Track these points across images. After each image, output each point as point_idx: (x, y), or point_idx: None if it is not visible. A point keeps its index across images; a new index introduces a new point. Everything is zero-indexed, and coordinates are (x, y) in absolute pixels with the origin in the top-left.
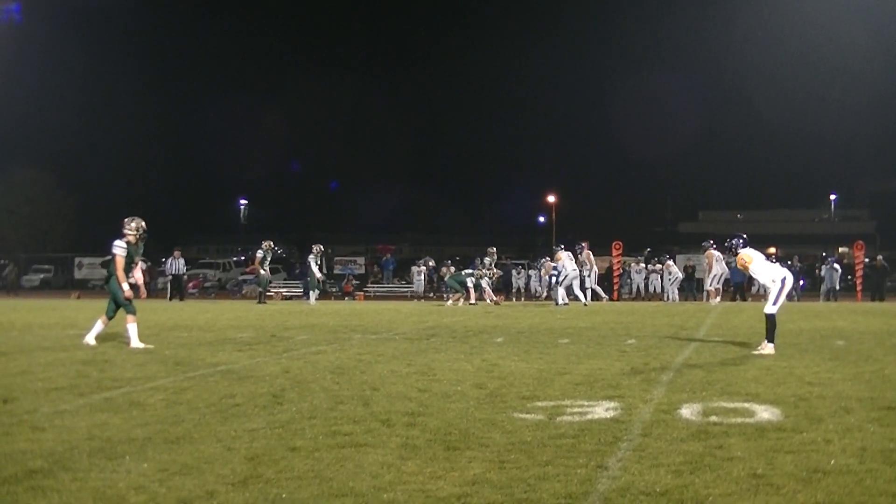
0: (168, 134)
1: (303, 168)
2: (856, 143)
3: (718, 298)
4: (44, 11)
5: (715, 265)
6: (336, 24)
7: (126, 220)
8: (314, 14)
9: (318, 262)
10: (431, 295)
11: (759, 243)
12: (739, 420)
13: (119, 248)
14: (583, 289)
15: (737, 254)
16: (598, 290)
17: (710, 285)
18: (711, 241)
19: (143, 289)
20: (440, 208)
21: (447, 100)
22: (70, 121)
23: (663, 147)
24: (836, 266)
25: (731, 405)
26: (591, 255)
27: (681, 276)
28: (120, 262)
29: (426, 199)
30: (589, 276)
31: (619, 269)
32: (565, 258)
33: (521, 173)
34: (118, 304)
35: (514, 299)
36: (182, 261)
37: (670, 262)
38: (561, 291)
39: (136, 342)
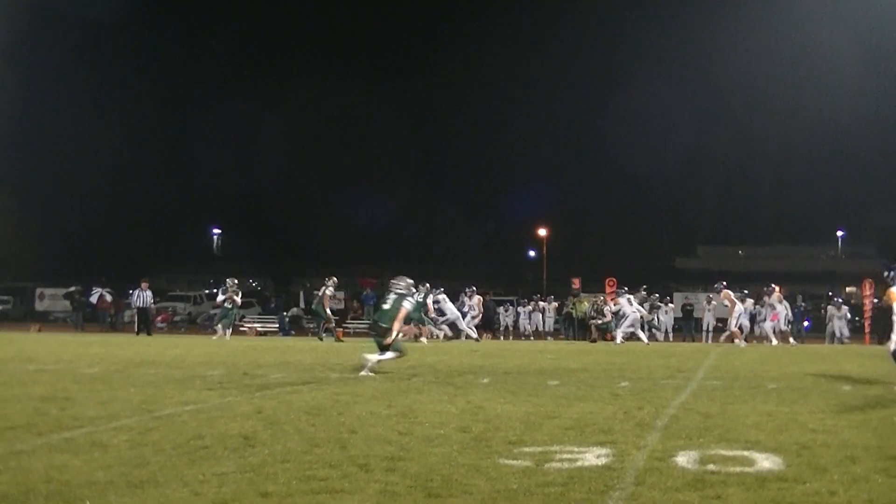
0: (138, 157)
1: (278, 196)
2: (864, 176)
3: (744, 340)
4: (8, 22)
5: (738, 304)
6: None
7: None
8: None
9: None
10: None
11: (761, 281)
12: (738, 469)
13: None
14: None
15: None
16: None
17: (735, 325)
18: (724, 282)
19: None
20: (425, 240)
21: (436, 127)
22: (32, 139)
23: (660, 180)
24: (843, 307)
25: (730, 453)
26: (481, 301)
27: (636, 315)
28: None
29: (410, 231)
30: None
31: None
32: (624, 302)
33: (511, 205)
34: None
35: (501, 338)
36: (149, 293)
37: (621, 300)
38: (620, 332)
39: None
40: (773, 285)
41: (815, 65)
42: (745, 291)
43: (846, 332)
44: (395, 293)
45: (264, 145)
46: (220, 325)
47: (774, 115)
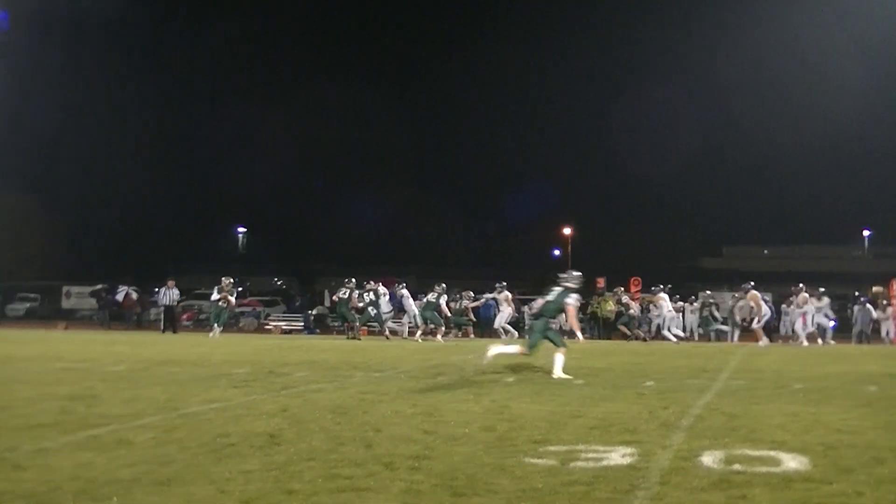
0: (162, 158)
1: (304, 193)
2: (890, 175)
3: (766, 339)
4: (32, 25)
5: (763, 306)
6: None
7: None
8: (313, 32)
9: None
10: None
11: (786, 281)
12: (764, 469)
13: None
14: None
15: None
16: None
17: (757, 324)
18: (752, 283)
19: None
20: (447, 240)
21: (453, 124)
22: (58, 141)
23: (685, 179)
24: (869, 306)
25: (756, 453)
26: (510, 298)
27: (673, 314)
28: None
29: (432, 230)
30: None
31: (638, 306)
32: (664, 300)
33: (534, 204)
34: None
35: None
36: (175, 291)
37: (662, 295)
38: (666, 332)
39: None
40: (801, 285)
41: (842, 64)
42: (822, 290)
43: (893, 333)
44: (562, 286)
45: (285, 146)
46: (217, 325)
47: (799, 114)
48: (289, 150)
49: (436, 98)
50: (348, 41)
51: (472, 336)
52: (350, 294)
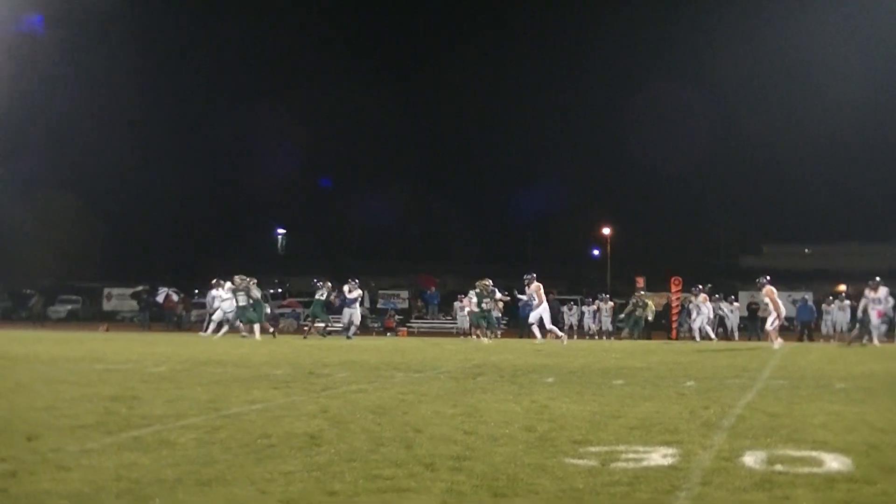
0: (202, 160)
1: (337, 194)
2: None
3: (780, 340)
4: (72, 28)
5: (780, 304)
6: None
7: None
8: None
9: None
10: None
11: (828, 280)
12: (806, 469)
13: None
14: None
15: None
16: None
17: (771, 325)
18: (768, 277)
19: None
20: (484, 241)
21: (492, 126)
22: (103, 144)
23: (724, 177)
24: None
25: (798, 453)
26: (541, 289)
27: (708, 313)
28: None
29: (469, 231)
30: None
31: (678, 305)
32: (703, 299)
33: (572, 204)
34: None
35: (564, 338)
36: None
37: (702, 295)
38: (707, 328)
39: None
40: (877, 279)
41: (878, 56)
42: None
43: None
44: None
45: (300, 145)
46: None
47: (840, 109)
48: (303, 150)
49: (460, 92)
50: (360, 35)
51: (481, 337)
52: (328, 294)
